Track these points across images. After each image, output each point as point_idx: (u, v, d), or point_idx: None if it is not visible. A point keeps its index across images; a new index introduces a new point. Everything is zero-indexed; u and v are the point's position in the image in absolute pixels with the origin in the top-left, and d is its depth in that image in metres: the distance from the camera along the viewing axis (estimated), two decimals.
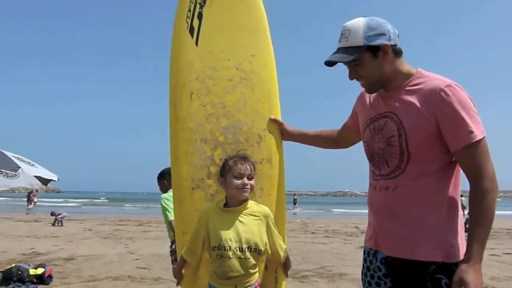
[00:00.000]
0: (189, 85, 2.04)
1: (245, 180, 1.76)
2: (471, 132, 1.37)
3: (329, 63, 1.58)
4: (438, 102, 1.41)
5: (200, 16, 2.09)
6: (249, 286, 1.78)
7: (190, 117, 2.02)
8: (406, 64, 1.56)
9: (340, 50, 1.55)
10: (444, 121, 1.41)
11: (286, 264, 1.97)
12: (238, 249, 1.73)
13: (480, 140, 1.38)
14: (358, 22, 1.52)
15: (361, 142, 1.73)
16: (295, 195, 37.30)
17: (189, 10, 2.08)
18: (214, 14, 2.10)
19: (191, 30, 2.08)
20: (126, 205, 37.78)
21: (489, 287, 4.86)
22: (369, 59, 1.52)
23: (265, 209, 1.87)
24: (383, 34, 1.50)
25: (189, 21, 2.08)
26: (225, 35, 2.09)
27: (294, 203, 33.67)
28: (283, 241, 1.93)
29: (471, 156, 1.39)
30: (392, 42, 1.51)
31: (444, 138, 1.43)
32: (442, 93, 1.41)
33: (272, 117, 2.06)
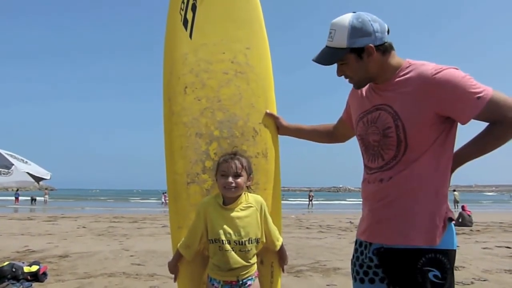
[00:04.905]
0: (183, 78, 2.02)
1: (229, 179, 1.75)
2: (479, 97, 1.37)
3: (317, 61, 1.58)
4: (433, 90, 1.41)
5: (194, 8, 2.05)
6: (249, 276, 1.80)
7: (185, 111, 2.00)
8: (396, 57, 1.55)
9: (326, 48, 1.56)
10: (446, 104, 1.41)
11: (282, 257, 1.97)
12: (238, 242, 1.75)
13: (491, 97, 1.37)
14: (344, 21, 1.50)
15: (356, 137, 1.72)
16: (310, 191, 36.90)
17: (183, 2, 2.05)
18: (208, 6, 2.07)
19: (185, 23, 2.04)
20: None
21: (481, 279, 4.91)
22: (353, 60, 1.52)
23: (258, 197, 1.88)
24: (367, 35, 1.48)
25: (182, 13, 2.05)
26: (219, 28, 2.06)
27: (310, 200, 32.85)
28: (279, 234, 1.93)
29: (492, 113, 1.39)
30: (378, 42, 1.49)
31: (453, 117, 1.43)
32: (433, 80, 1.41)
33: (267, 111, 2.05)
